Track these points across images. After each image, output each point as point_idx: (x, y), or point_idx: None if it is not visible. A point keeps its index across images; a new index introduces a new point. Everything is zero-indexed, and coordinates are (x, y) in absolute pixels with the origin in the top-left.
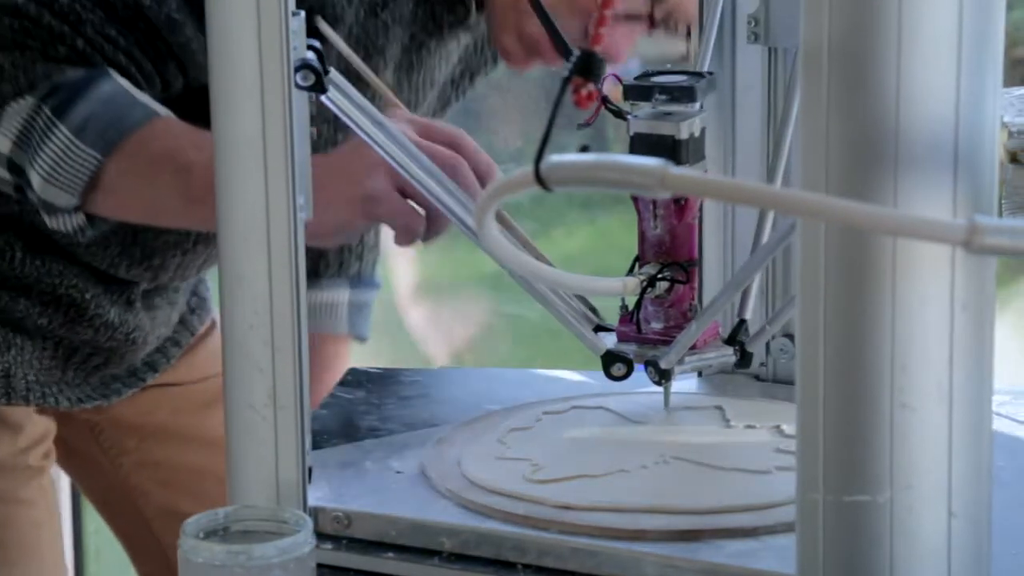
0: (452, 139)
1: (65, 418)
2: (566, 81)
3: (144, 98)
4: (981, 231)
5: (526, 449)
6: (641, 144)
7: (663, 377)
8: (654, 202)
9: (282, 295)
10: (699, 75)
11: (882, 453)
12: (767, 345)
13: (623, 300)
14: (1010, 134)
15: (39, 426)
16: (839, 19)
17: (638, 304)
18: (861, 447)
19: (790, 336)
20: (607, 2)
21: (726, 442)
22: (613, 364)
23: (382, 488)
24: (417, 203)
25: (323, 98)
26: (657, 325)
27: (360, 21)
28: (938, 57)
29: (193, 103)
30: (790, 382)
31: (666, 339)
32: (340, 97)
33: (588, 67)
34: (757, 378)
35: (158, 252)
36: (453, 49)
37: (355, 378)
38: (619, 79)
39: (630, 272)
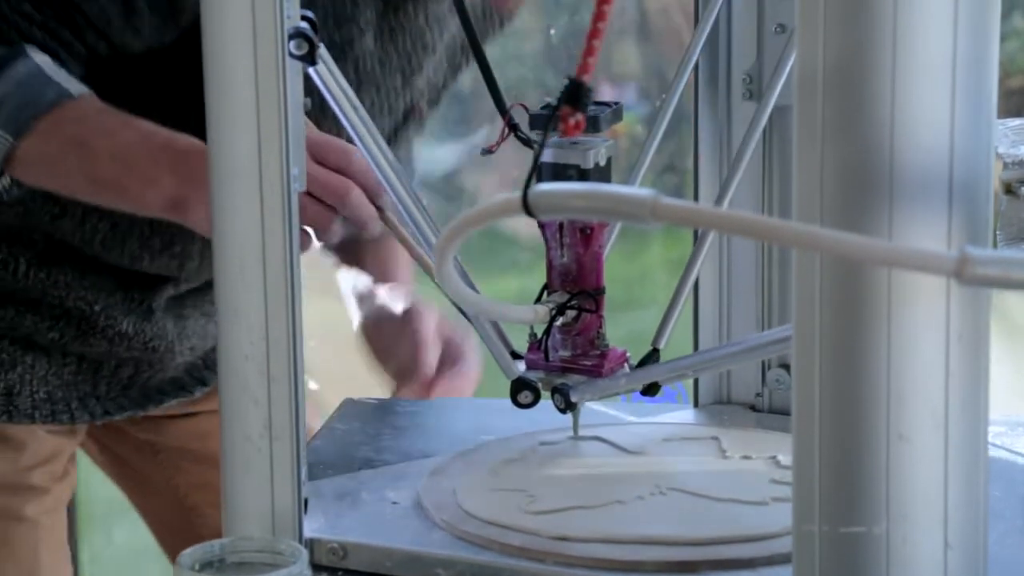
0: (341, 161)
1: (121, 436)
2: (555, 110)
3: (60, 76)
4: (972, 262)
5: (522, 480)
6: (548, 173)
7: (569, 407)
8: (560, 231)
9: (278, 326)
10: (605, 105)
11: (878, 484)
12: (763, 375)
13: (531, 328)
14: (1005, 165)
15: (46, 445)
16: (833, 50)
17: (546, 332)
18: (857, 478)
19: (786, 367)
20: (594, 32)
21: (722, 473)
22: (521, 392)
23: (378, 519)
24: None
25: (311, 71)
26: (564, 353)
27: None
28: (933, 88)
29: (128, 69)
30: (786, 412)
31: (572, 367)
32: (326, 73)
33: (576, 96)
34: (753, 408)
35: (178, 239)
36: (445, 12)
37: (350, 409)
38: (526, 108)
39: (538, 300)
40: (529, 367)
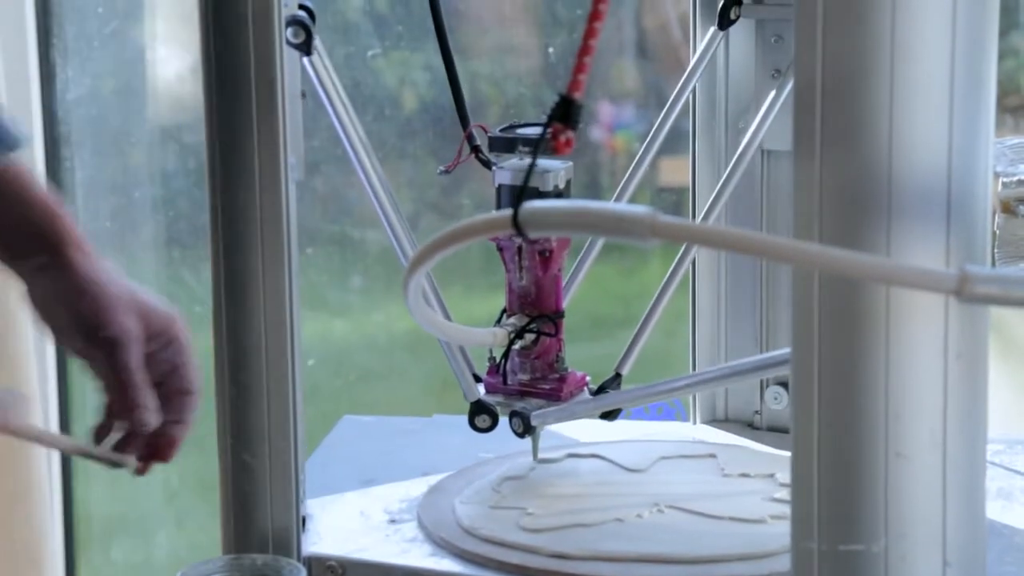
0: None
1: None
2: (545, 127)
3: None
4: (972, 280)
5: (521, 498)
6: (507, 195)
7: (527, 431)
8: (519, 254)
9: (277, 342)
10: None
11: (876, 502)
12: (761, 394)
13: (491, 351)
14: (1003, 184)
15: None
16: (831, 68)
17: (505, 355)
18: (855, 496)
19: (784, 384)
20: (585, 49)
21: (720, 491)
22: (478, 415)
23: (376, 537)
24: None
25: (304, 61)
26: (523, 376)
27: None
28: (931, 106)
29: None
30: (784, 430)
31: (531, 390)
32: (320, 65)
33: (567, 114)
34: (751, 426)
35: None
36: None
37: (349, 427)
38: (485, 129)
39: (497, 323)
40: (488, 390)
